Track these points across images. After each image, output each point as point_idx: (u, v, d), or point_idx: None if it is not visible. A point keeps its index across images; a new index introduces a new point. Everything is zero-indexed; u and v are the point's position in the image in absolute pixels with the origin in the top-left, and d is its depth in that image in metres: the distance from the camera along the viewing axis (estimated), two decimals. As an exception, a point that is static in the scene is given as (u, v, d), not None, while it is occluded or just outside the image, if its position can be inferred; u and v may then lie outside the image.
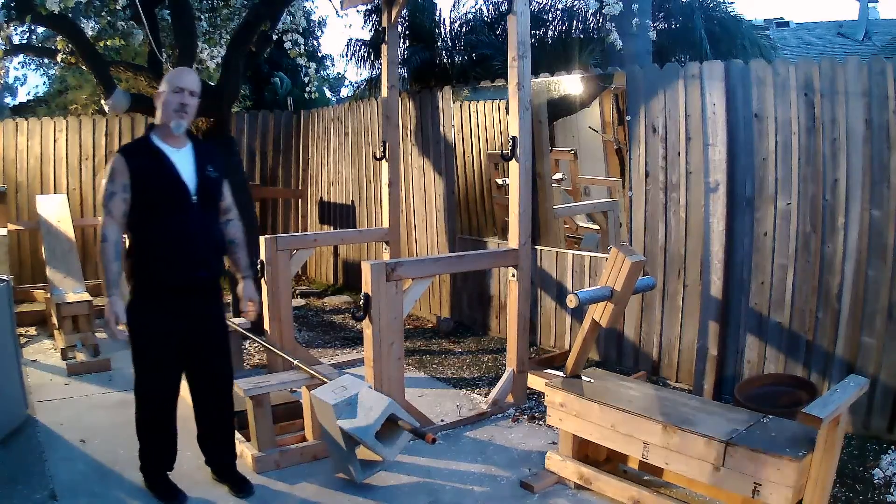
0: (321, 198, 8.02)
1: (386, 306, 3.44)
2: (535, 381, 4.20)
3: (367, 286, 3.41)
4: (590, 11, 8.00)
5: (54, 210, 5.94)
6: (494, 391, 4.12)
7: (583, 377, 3.21)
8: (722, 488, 2.58)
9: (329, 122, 7.80)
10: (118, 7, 5.65)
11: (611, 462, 3.15)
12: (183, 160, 2.83)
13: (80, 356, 4.89)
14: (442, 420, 3.92)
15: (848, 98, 3.53)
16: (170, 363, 2.90)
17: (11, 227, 6.28)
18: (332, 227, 7.82)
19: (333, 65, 17.78)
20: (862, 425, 3.56)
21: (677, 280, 4.37)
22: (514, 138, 4.00)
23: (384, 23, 5.30)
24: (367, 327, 3.46)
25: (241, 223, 3.17)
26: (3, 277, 3.96)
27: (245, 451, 3.35)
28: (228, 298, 6.35)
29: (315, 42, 14.23)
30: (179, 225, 2.78)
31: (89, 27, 5.77)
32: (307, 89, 7.16)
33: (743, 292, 4.05)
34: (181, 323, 2.85)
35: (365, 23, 9.04)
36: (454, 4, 12.44)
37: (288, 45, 6.56)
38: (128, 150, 2.82)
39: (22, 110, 14.33)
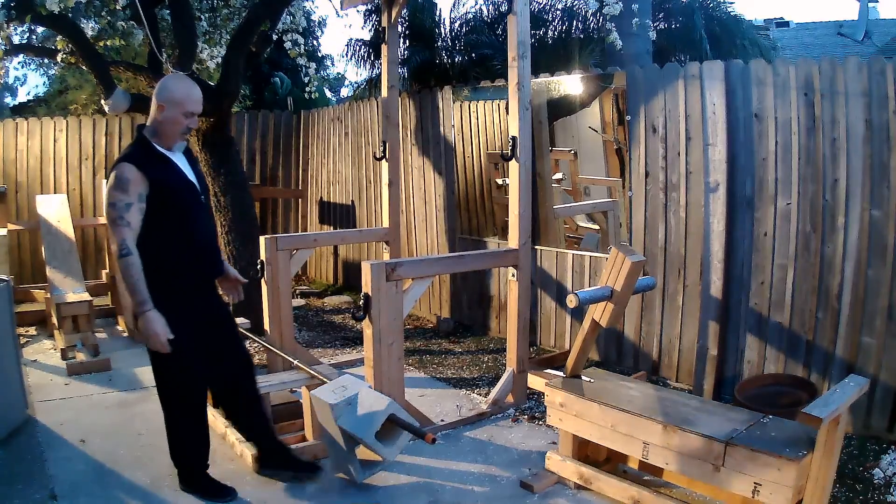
0: (321, 198, 8.01)
1: (386, 306, 3.44)
2: (535, 381, 4.19)
3: (367, 286, 3.41)
4: (590, 11, 8.00)
5: (54, 210, 5.94)
6: (494, 391, 4.12)
7: (583, 377, 3.21)
8: (722, 488, 2.58)
9: (329, 122, 7.80)
10: (118, 7, 5.65)
11: (611, 462, 3.15)
12: (182, 163, 2.88)
13: (80, 356, 4.89)
14: (442, 420, 3.92)
15: (848, 98, 3.53)
16: (201, 355, 2.94)
17: (11, 227, 6.28)
18: (332, 227, 7.82)
19: (333, 65, 17.83)
20: (862, 425, 3.56)
21: (677, 280, 4.37)
22: (514, 138, 4.00)
23: (384, 23, 5.30)
24: (367, 327, 3.46)
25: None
26: (3, 277, 3.96)
27: (245, 451, 3.35)
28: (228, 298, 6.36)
29: (315, 42, 14.23)
30: (197, 225, 2.88)
31: (89, 27, 5.77)
32: (307, 89, 7.16)
33: (743, 292, 4.05)
34: (202, 316, 2.95)
35: (365, 23, 9.05)
36: (454, 4, 12.46)
37: (288, 45, 6.56)
38: (138, 160, 2.71)
39: (22, 110, 14.34)
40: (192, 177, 2.88)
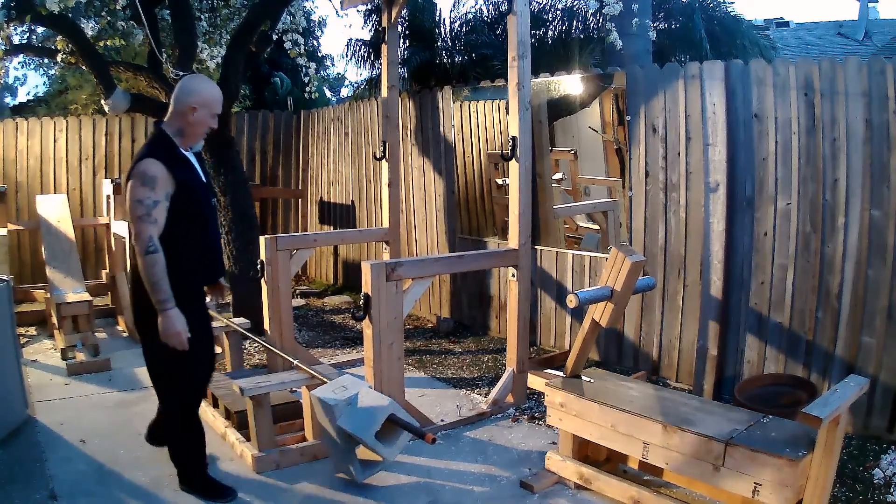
0: (321, 198, 8.02)
1: (386, 306, 3.44)
2: (535, 381, 4.20)
3: (367, 286, 3.41)
4: (590, 11, 7.98)
5: (54, 210, 5.94)
6: (494, 391, 4.12)
7: (583, 377, 3.21)
8: (722, 488, 2.58)
9: (329, 122, 7.80)
10: (118, 7, 5.66)
11: (611, 462, 3.15)
12: (196, 164, 2.92)
13: (80, 356, 4.89)
14: (442, 420, 3.92)
15: (848, 98, 3.53)
16: (204, 354, 2.98)
17: (11, 227, 6.28)
18: (332, 227, 7.82)
19: (333, 65, 17.81)
20: (862, 425, 3.56)
21: (677, 280, 4.37)
22: (514, 138, 4.00)
23: (384, 23, 5.30)
24: (367, 327, 3.46)
25: None
26: (3, 277, 3.96)
27: (245, 452, 3.35)
28: (229, 298, 6.37)
29: (315, 42, 14.24)
30: (209, 226, 2.91)
31: (89, 27, 5.78)
32: (307, 89, 7.16)
33: (743, 292, 4.05)
34: (203, 316, 2.98)
35: (365, 23, 9.03)
36: (454, 4, 12.40)
37: (288, 45, 6.56)
38: (165, 159, 2.69)
39: (22, 110, 14.33)
40: (204, 178, 2.95)
